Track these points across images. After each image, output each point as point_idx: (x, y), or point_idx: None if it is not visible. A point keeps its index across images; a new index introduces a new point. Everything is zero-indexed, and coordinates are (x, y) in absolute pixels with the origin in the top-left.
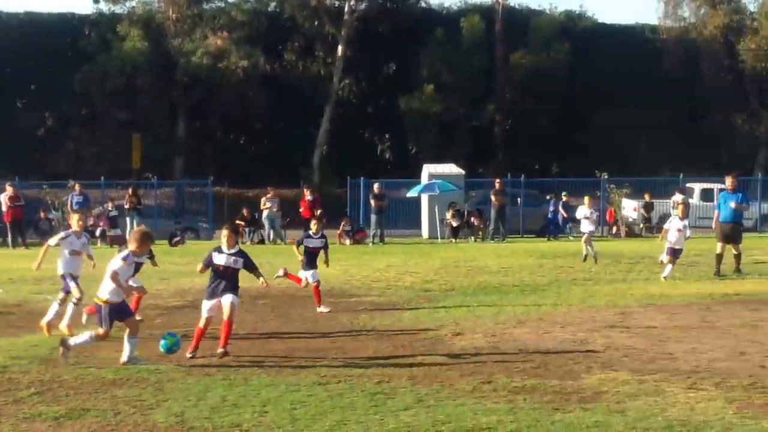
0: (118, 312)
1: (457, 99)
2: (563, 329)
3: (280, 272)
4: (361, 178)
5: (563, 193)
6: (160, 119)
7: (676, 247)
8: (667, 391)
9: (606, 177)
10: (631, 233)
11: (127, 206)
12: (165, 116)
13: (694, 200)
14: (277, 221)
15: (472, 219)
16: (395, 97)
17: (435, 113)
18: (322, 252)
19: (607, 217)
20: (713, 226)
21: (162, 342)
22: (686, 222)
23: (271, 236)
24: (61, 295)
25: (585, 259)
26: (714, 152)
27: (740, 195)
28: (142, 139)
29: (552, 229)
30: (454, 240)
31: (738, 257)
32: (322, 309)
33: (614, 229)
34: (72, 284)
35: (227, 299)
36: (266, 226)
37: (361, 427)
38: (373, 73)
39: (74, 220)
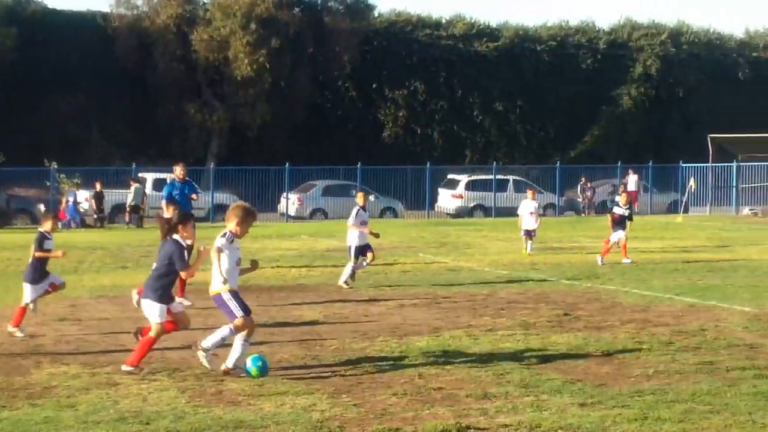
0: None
1: None
2: (8, 324)
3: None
4: None
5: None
6: None
7: (361, 244)
8: (119, 383)
9: (56, 167)
10: (84, 224)
11: None
12: None
13: (148, 189)
14: None
15: None
16: None
17: None
18: None
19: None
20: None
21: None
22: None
23: None
24: None
25: None
26: (166, 141)
27: (189, 184)
28: None
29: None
30: None
31: None
32: (185, 302)
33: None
34: None
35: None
36: None
37: None
38: None
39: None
